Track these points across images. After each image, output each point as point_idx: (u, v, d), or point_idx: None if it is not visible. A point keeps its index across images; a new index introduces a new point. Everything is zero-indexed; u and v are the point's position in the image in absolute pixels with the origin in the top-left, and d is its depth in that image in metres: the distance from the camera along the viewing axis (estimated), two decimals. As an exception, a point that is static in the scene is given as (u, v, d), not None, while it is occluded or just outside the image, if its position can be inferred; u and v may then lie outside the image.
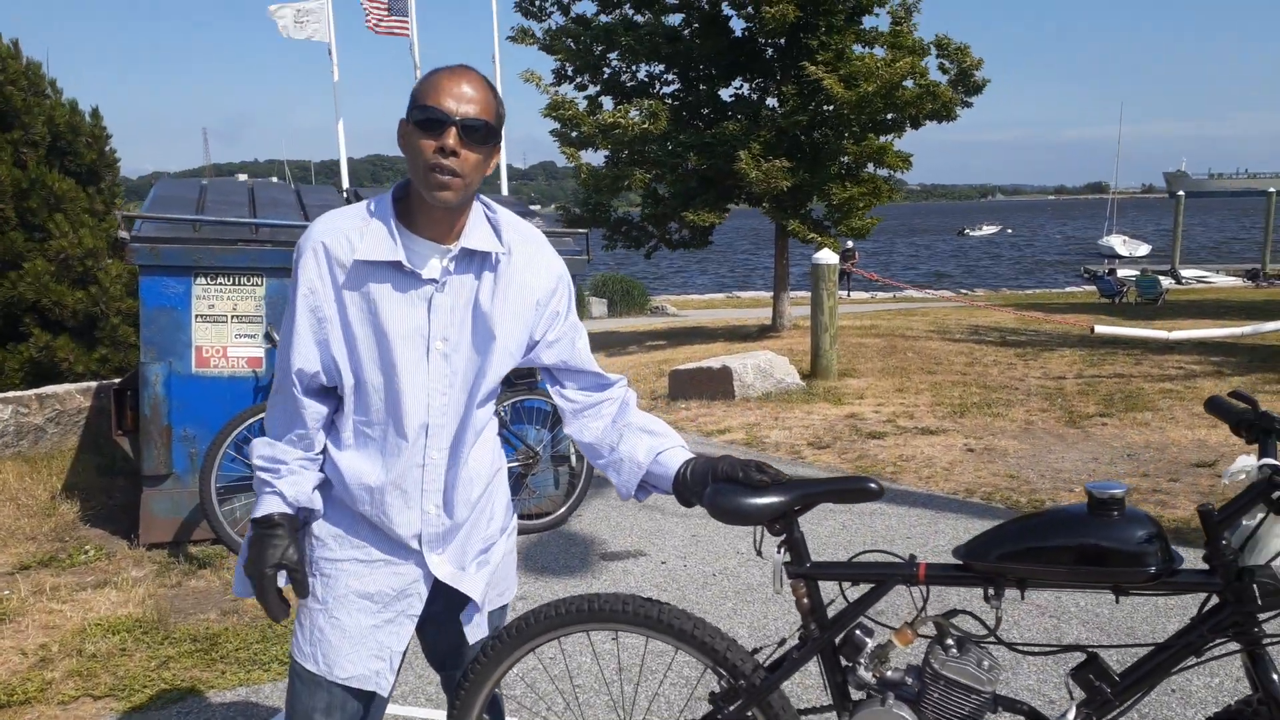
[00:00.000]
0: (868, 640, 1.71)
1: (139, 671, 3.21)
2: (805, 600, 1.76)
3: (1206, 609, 1.61)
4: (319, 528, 1.83)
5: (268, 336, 4.56)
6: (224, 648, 3.38)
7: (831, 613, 1.78)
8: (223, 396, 4.52)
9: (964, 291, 24.77)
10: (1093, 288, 22.98)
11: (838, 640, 1.73)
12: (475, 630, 1.92)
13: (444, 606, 1.93)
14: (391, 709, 2.97)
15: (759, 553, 1.83)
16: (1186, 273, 28.10)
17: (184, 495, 4.48)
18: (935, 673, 1.63)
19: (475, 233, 1.76)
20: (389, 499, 1.78)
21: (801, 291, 13.54)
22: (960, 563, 1.68)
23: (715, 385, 8.50)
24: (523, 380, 4.97)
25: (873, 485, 1.72)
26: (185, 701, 3.02)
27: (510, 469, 4.94)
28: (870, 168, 12.90)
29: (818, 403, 8.12)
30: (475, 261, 1.78)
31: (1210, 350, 10.13)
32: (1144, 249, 39.94)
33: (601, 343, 14.34)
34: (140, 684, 3.13)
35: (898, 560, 1.71)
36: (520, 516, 4.90)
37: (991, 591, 1.64)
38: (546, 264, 1.86)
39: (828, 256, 9.43)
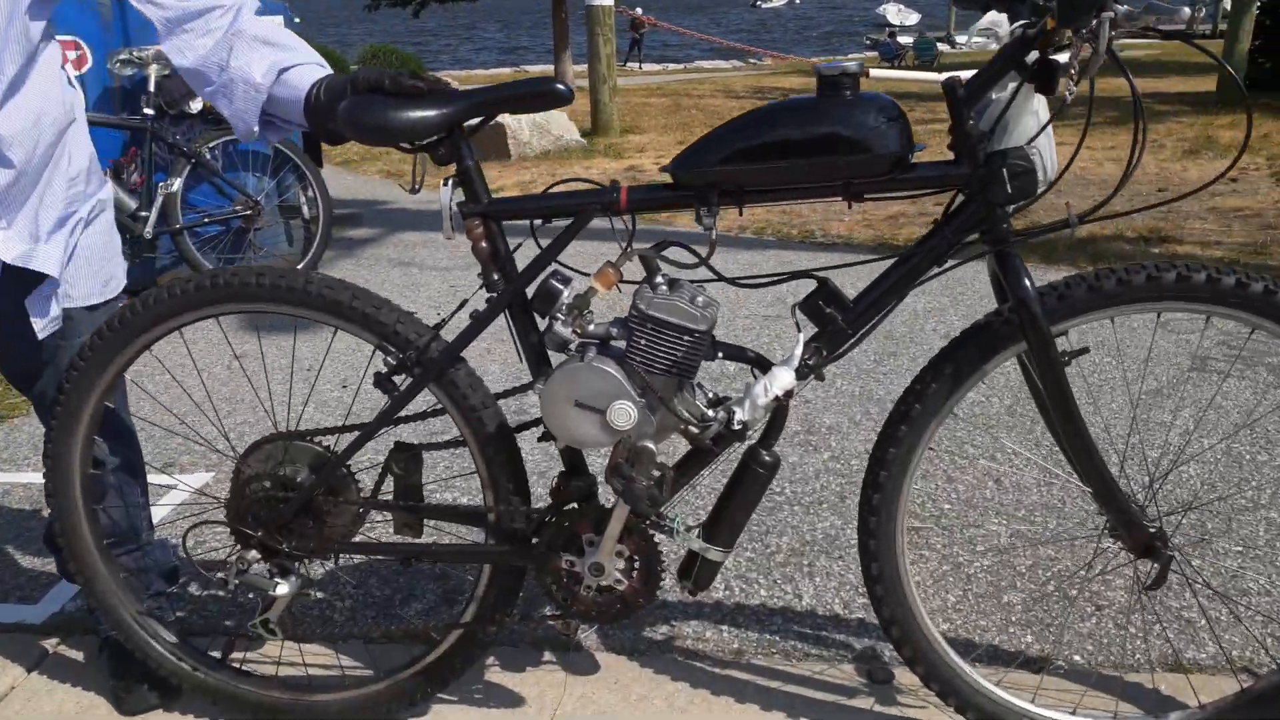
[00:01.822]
0: (563, 289, 1.36)
1: None
2: (484, 245, 1.38)
3: (953, 209, 1.36)
4: None
5: None
6: None
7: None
8: None
9: (753, 61, 24.43)
10: (875, 53, 23.34)
11: (529, 293, 1.39)
12: (54, 323, 1.46)
13: (14, 303, 1.44)
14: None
15: (415, 191, 1.41)
16: (960, 39, 28.91)
17: None
18: (642, 314, 1.31)
19: None
20: None
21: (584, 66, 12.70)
22: (669, 180, 1.34)
23: (490, 144, 7.90)
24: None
25: (560, 87, 1.33)
26: None
27: (230, 222, 4.27)
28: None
29: (597, 158, 7.76)
30: None
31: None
32: (914, 17, 41.26)
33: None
34: None
35: (595, 187, 1.35)
36: (253, 278, 4.29)
37: (704, 210, 1.32)
38: None
39: None
